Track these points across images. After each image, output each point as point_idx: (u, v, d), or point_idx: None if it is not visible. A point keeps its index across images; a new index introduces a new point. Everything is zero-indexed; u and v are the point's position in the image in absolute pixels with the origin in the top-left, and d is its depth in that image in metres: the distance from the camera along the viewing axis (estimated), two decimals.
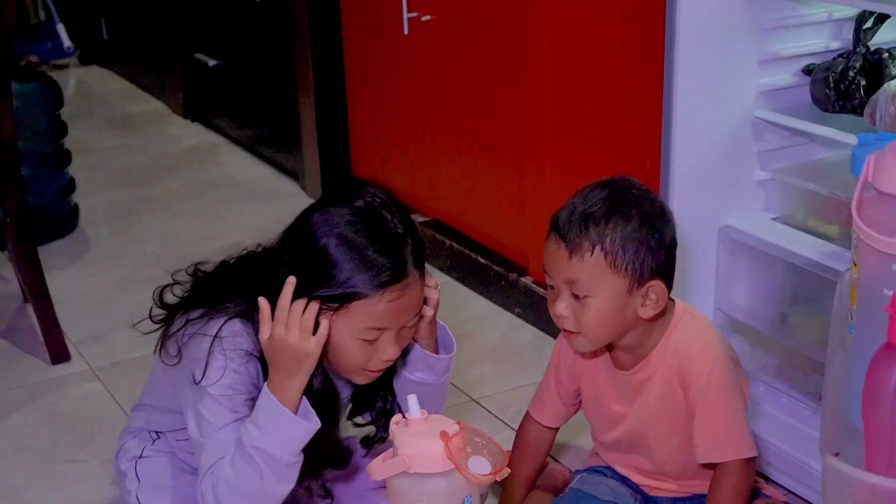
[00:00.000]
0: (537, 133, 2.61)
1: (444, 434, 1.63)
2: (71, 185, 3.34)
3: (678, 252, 2.04)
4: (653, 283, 1.67)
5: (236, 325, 1.68)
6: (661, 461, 1.81)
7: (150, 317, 1.80)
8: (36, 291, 2.62)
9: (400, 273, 1.63)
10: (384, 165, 3.31)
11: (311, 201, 3.54)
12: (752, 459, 1.72)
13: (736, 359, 1.77)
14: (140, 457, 1.85)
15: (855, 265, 1.37)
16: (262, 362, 1.67)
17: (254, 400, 1.66)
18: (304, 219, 1.68)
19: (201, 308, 1.72)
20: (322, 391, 1.70)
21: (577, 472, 1.94)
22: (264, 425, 1.61)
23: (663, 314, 1.72)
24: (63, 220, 3.31)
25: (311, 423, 1.63)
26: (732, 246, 2.07)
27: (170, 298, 1.80)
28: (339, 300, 1.62)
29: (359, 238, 1.62)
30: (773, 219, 2.07)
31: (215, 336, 1.66)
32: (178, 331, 1.73)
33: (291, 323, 1.61)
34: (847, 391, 1.36)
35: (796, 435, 1.99)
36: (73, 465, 2.22)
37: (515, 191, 2.73)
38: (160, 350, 1.76)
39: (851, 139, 1.80)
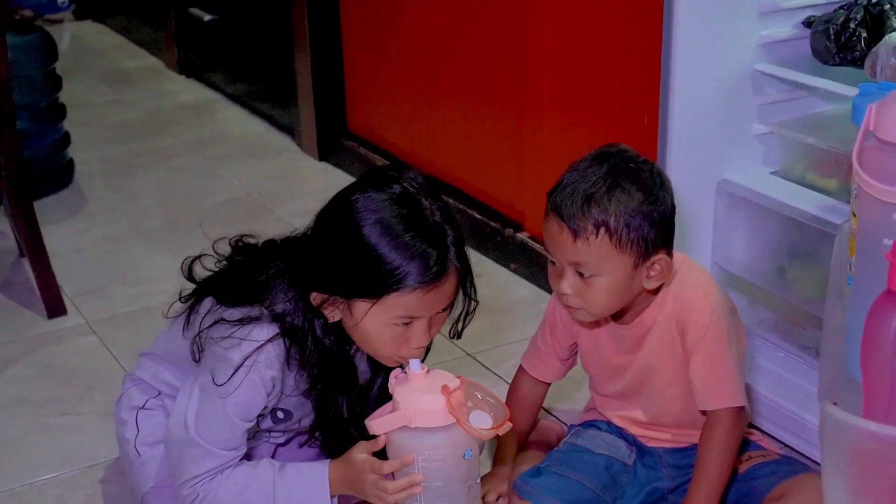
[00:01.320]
0: (535, 88, 2.60)
1: (445, 388, 1.63)
2: (66, 139, 3.33)
3: (675, 207, 2.05)
4: (658, 256, 1.67)
5: (269, 352, 1.65)
6: (658, 412, 1.82)
7: (181, 298, 1.76)
8: (32, 245, 2.61)
9: (443, 268, 1.60)
10: (380, 121, 3.30)
11: (306, 157, 3.58)
12: (742, 409, 1.73)
13: (733, 308, 1.77)
14: (142, 407, 1.84)
15: (854, 215, 1.36)
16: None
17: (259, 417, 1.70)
18: (341, 203, 1.63)
19: (234, 296, 1.69)
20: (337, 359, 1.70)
21: (572, 426, 1.94)
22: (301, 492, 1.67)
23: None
24: (58, 175, 3.30)
25: None
26: (730, 200, 2.06)
27: (200, 272, 1.77)
28: (377, 292, 1.59)
29: (401, 229, 1.58)
30: (771, 173, 2.06)
31: (246, 358, 1.64)
32: (207, 327, 1.69)
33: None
34: (845, 342, 1.36)
35: (792, 389, 2.00)
36: (70, 417, 2.22)
37: (512, 146, 2.72)
38: (185, 327, 1.73)
39: (852, 92, 1.78)
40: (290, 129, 3.67)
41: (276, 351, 1.66)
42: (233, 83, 4.07)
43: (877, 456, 1.15)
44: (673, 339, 1.74)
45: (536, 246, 2.66)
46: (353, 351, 1.73)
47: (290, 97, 3.56)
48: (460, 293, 1.67)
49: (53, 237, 2.79)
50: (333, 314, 1.65)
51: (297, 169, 3.48)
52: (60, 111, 3.29)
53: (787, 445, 2.00)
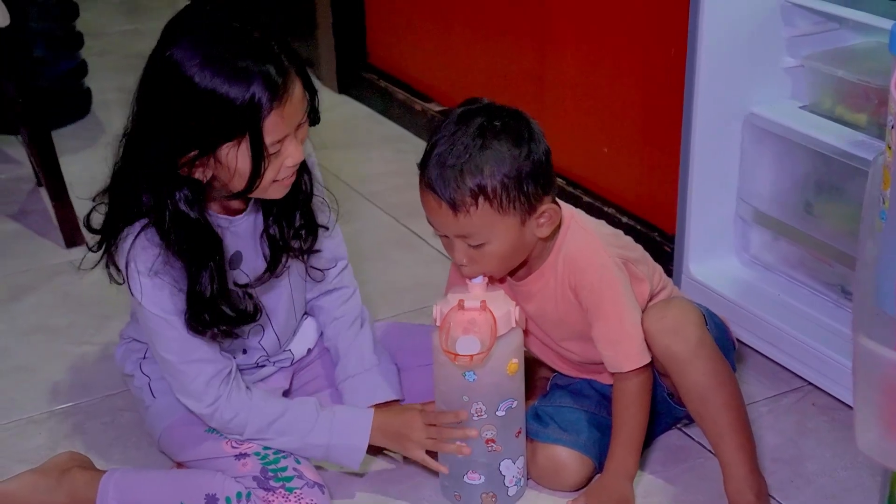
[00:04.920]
0: (558, 19, 2.56)
1: (460, 302, 1.64)
2: (82, 68, 3.30)
3: (701, 139, 2.02)
4: (543, 206, 1.64)
5: (141, 241, 1.63)
6: (577, 360, 1.82)
7: (89, 248, 1.74)
8: (49, 175, 2.60)
9: (285, 75, 1.54)
10: (401, 53, 3.27)
11: (326, 90, 3.55)
12: (648, 364, 1.71)
13: (625, 261, 1.73)
14: (143, 357, 1.84)
15: (889, 148, 1.33)
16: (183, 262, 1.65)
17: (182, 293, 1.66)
18: (159, 65, 1.55)
19: (119, 224, 1.66)
20: (201, 235, 1.64)
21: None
22: (336, 440, 1.72)
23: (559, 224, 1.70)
24: (75, 104, 3.28)
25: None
26: (758, 134, 2.03)
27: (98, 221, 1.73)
28: (239, 130, 1.54)
29: (230, 61, 1.51)
30: (800, 107, 2.02)
31: (128, 259, 1.64)
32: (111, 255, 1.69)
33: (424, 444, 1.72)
34: (877, 277, 1.33)
35: (816, 326, 1.97)
36: (87, 346, 2.22)
37: (534, 77, 2.69)
38: (110, 276, 1.72)
39: (885, 24, 1.75)
40: (309, 62, 3.61)
41: (146, 240, 1.63)
42: None
43: None
44: (569, 299, 1.72)
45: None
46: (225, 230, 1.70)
47: (310, 29, 3.52)
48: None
49: (71, 167, 2.76)
50: (205, 173, 1.60)
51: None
52: (77, 39, 3.26)
53: (810, 383, 1.99)
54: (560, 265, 1.71)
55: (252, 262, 1.74)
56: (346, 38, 3.41)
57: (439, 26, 3.04)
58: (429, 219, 1.65)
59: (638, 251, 1.80)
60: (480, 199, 1.59)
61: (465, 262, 1.65)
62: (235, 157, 1.56)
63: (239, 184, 1.59)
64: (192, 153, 1.56)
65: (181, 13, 1.59)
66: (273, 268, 1.74)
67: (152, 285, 1.64)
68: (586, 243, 1.71)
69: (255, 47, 1.53)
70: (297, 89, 1.57)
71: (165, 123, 1.56)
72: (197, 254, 1.63)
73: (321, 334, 1.92)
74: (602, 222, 1.80)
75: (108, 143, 1.67)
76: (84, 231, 1.76)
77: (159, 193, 1.59)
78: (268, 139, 1.55)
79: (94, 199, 1.71)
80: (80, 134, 3.19)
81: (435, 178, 1.60)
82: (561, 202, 1.71)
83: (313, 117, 1.64)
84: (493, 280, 1.73)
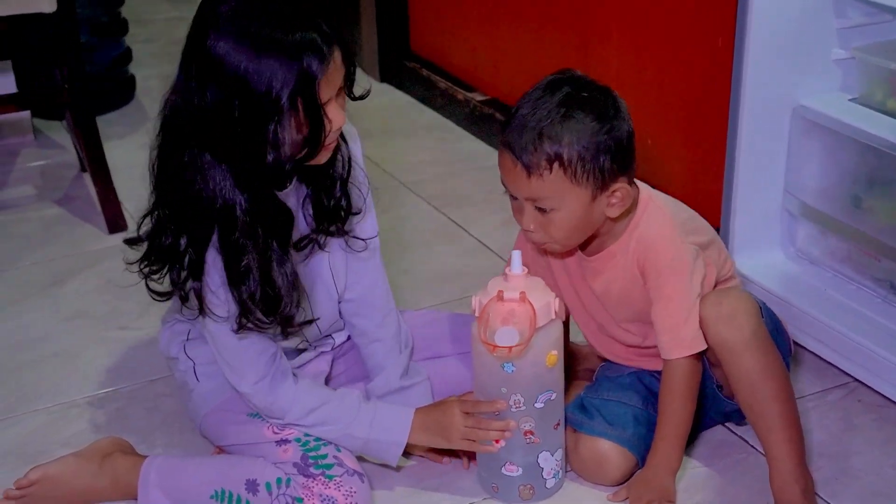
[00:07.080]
0: (602, 6, 2.54)
1: (499, 293, 1.62)
2: (127, 55, 3.32)
3: (748, 131, 1.99)
4: (616, 185, 1.63)
5: (208, 258, 1.63)
6: (633, 343, 1.80)
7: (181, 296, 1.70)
8: (94, 160, 2.62)
9: (328, 40, 1.53)
10: (443, 43, 3.25)
11: (368, 78, 3.53)
12: (699, 355, 1.70)
13: (698, 249, 1.71)
14: (188, 339, 1.84)
15: None
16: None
17: None
18: (200, 59, 1.54)
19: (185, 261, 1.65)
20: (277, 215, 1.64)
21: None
22: (376, 432, 1.72)
23: (632, 206, 1.69)
24: (120, 90, 3.29)
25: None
26: (806, 126, 2.00)
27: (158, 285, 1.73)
28: (300, 101, 1.52)
29: (280, 41, 1.50)
30: (850, 99, 2.00)
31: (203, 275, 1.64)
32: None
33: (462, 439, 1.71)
34: None
35: (864, 322, 1.95)
36: (128, 332, 2.23)
37: (578, 66, 2.64)
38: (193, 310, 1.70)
39: None
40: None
41: (209, 258, 1.63)
42: None
43: None
44: (636, 279, 1.71)
45: None
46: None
47: (353, 17, 3.51)
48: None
49: (115, 153, 2.78)
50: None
51: (357, 90, 3.43)
52: (122, 26, 3.27)
53: (856, 380, 1.96)
54: (633, 244, 1.70)
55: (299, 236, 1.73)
56: (388, 26, 3.40)
57: (482, 15, 3.02)
58: (503, 179, 1.66)
59: (708, 235, 1.77)
60: (555, 165, 1.59)
61: (532, 228, 1.65)
62: (290, 127, 1.55)
63: (293, 152, 1.58)
64: (265, 143, 1.54)
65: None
66: (323, 226, 1.73)
67: (215, 257, 1.63)
68: (664, 227, 1.70)
69: (297, 18, 1.52)
70: (337, 53, 1.55)
71: (219, 111, 1.54)
72: (272, 234, 1.62)
73: None
74: (680, 204, 1.78)
75: (152, 129, 1.67)
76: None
77: (239, 192, 1.59)
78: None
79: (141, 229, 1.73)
80: (123, 120, 3.20)
81: (514, 138, 1.60)
82: (640, 183, 1.70)
83: (352, 88, 1.63)
84: (561, 254, 1.73)
